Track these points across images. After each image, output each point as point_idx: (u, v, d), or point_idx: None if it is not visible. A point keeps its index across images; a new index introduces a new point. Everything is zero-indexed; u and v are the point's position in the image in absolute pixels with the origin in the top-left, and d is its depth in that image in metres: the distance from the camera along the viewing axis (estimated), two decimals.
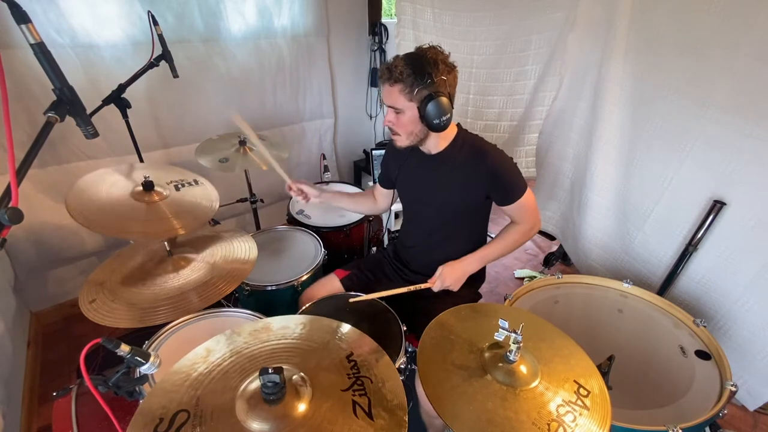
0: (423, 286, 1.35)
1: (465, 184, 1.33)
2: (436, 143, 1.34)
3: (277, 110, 2.58)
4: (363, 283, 1.57)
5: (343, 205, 1.70)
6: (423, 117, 1.20)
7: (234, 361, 0.85)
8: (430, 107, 1.17)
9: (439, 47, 1.22)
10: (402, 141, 1.30)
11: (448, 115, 1.20)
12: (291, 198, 2.21)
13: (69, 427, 1.13)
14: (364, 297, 1.36)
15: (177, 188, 1.40)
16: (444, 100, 1.18)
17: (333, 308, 1.40)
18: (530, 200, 1.35)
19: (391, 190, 1.61)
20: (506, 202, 1.34)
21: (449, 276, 1.35)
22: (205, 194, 1.43)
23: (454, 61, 1.23)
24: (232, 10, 2.15)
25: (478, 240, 1.49)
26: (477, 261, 1.40)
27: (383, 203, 1.68)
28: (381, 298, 1.40)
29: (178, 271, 1.30)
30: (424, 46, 1.21)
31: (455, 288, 1.38)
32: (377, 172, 1.64)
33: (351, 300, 1.36)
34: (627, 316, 1.42)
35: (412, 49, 1.24)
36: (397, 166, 1.47)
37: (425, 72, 1.16)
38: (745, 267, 1.47)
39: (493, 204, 1.41)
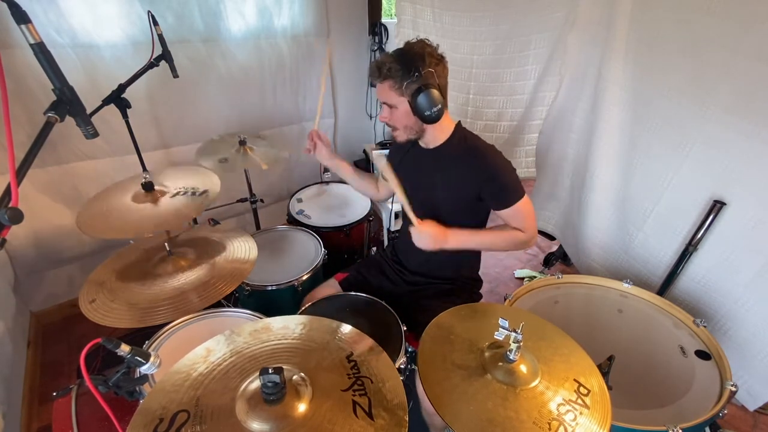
0: (414, 218, 1.26)
1: (457, 181, 1.33)
2: (434, 137, 1.34)
3: (277, 110, 2.58)
4: (362, 284, 1.57)
5: (346, 176, 1.63)
6: (414, 110, 1.22)
7: (234, 361, 0.85)
8: (420, 99, 1.19)
9: (427, 40, 1.23)
10: (400, 136, 1.32)
11: (439, 106, 1.21)
12: (291, 198, 2.21)
13: (69, 427, 1.13)
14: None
15: (173, 195, 1.43)
16: (434, 91, 1.19)
17: (333, 308, 1.40)
18: (528, 208, 1.31)
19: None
20: (500, 206, 1.30)
21: (429, 225, 1.27)
22: (207, 184, 1.47)
23: (443, 53, 1.24)
24: (232, 10, 2.15)
25: None
26: (460, 236, 1.31)
27: (383, 192, 1.69)
28: (381, 298, 1.40)
29: (178, 271, 1.30)
30: (412, 41, 1.23)
31: (426, 244, 1.27)
32: (377, 172, 1.64)
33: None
34: (627, 316, 1.42)
35: None
36: (398, 158, 1.47)
37: (413, 66, 1.18)
38: (745, 267, 1.47)
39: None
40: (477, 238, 1.36)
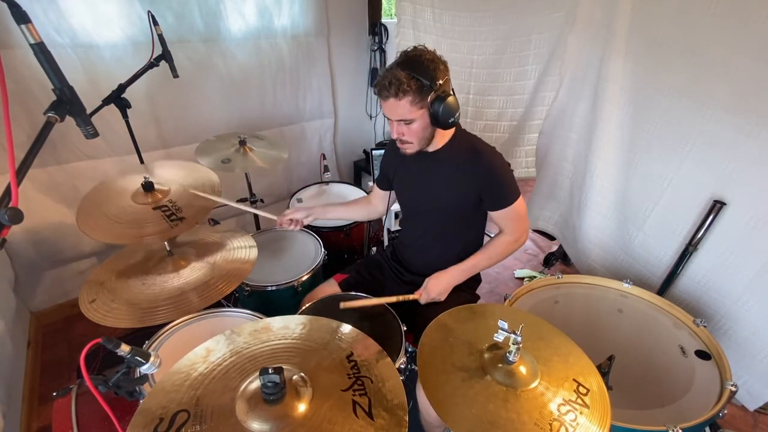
0: (410, 297, 1.37)
1: (460, 183, 1.33)
2: (436, 141, 1.33)
3: (277, 110, 2.58)
4: (361, 285, 1.57)
5: (337, 216, 1.69)
6: (436, 119, 1.20)
7: (234, 361, 0.85)
8: (443, 110, 1.17)
9: (423, 46, 1.20)
10: (413, 148, 1.29)
11: (459, 111, 1.21)
12: (291, 198, 2.21)
13: (69, 427, 1.13)
14: (355, 303, 1.32)
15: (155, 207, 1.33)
16: (451, 99, 1.18)
17: (334, 308, 1.39)
18: (521, 209, 1.33)
19: (388, 192, 1.60)
20: (497, 206, 1.32)
21: (434, 288, 1.36)
22: (207, 185, 1.42)
23: (442, 55, 1.22)
24: (232, 10, 2.15)
25: (475, 240, 1.49)
26: (462, 272, 1.40)
27: (380, 207, 1.67)
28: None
29: (178, 271, 1.30)
30: (409, 51, 1.19)
31: (441, 298, 1.38)
32: (377, 173, 1.64)
33: (342, 305, 1.31)
34: (627, 316, 1.42)
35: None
36: (395, 165, 1.47)
37: (430, 77, 1.15)
38: (745, 267, 1.47)
39: None
40: (476, 262, 1.41)
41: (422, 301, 1.37)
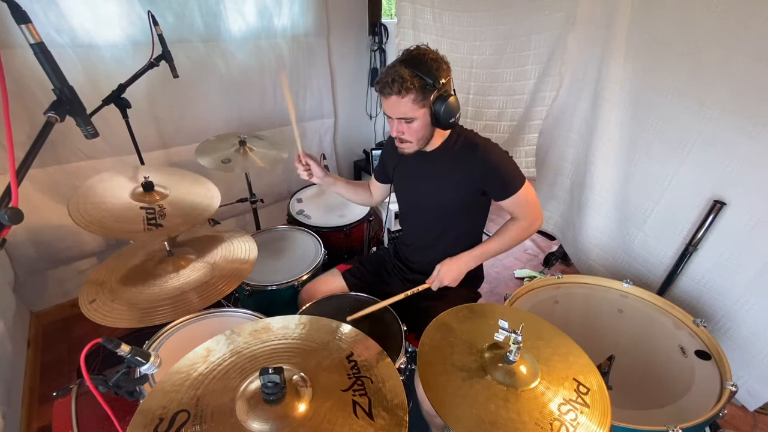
0: (421, 288, 1.35)
1: (459, 180, 1.32)
2: (434, 141, 1.33)
3: (277, 110, 2.58)
4: (364, 278, 1.57)
5: (341, 192, 1.65)
6: (437, 120, 1.20)
7: (234, 361, 0.85)
8: (444, 110, 1.17)
9: (426, 46, 1.20)
10: (412, 147, 1.29)
11: (460, 111, 1.21)
12: (291, 198, 2.21)
13: (69, 427, 1.13)
14: (359, 314, 1.31)
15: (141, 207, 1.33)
16: (453, 99, 1.18)
17: (334, 308, 1.40)
18: (529, 194, 1.32)
19: (386, 185, 1.60)
20: (503, 196, 1.31)
21: (447, 275, 1.35)
22: (205, 191, 1.43)
23: (444, 56, 1.22)
24: (232, 10, 2.15)
25: (475, 238, 1.49)
26: (474, 258, 1.38)
27: (378, 196, 1.67)
28: (381, 297, 1.40)
29: (178, 271, 1.30)
30: (412, 50, 1.19)
31: (454, 284, 1.37)
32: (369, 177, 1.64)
33: (348, 319, 1.29)
34: (627, 316, 1.42)
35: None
36: (394, 163, 1.47)
37: (433, 76, 1.15)
38: (745, 267, 1.47)
39: (493, 202, 1.41)
40: (488, 248, 1.39)
41: (434, 288, 1.36)
